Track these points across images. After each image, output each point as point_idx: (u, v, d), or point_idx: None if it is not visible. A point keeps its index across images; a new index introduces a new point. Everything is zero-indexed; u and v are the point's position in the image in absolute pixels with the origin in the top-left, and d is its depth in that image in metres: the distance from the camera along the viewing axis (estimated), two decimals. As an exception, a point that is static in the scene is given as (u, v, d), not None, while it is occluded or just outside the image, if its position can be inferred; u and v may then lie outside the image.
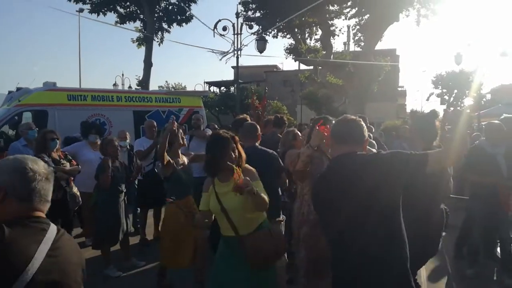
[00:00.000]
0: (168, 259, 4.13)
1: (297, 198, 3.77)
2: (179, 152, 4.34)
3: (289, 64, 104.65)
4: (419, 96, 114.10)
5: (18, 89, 8.66)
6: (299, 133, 4.70)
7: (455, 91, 29.25)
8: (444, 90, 30.85)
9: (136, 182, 6.29)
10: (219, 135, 2.82)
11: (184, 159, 4.37)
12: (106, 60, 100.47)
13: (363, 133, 2.30)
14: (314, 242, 3.30)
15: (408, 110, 44.60)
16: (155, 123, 6.55)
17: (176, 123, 4.16)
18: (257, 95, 22.08)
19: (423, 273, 4.67)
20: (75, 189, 5.30)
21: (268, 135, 5.49)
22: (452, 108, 3.32)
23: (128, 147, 6.45)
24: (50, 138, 5.13)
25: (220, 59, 15.38)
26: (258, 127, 4.17)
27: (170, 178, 4.11)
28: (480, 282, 4.59)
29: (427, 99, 31.19)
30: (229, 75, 55.26)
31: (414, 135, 3.16)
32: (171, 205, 4.10)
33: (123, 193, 5.07)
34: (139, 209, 6.54)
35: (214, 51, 15.00)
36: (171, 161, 4.06)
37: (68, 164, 5.26)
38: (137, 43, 22.25)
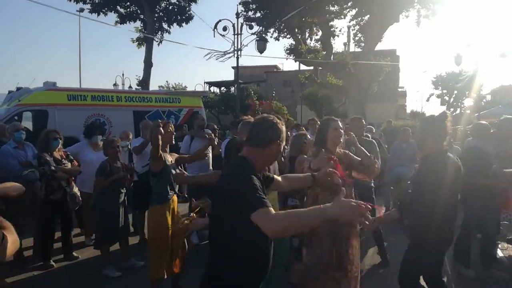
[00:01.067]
0: (161, 268, 3.89)
1: (307, 197, 3.78)
2: (167, 149, 4.17)
3: (289, 65, 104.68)
4: (419, 97, 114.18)
5: (18, 88, 8.67)
6: (309, 138, 4.72)
7: (455, 92, 29.27)
8: (444, 91, 30.87)
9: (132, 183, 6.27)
10: None
11: (170, 158, 4.20)
12: (106, 60, 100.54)
13: (267, 135, 2.18)
14: (334, 237, 3.38)
15: (408, 111, 44.67)
16: (151, 123, 6.52)
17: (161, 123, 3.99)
18: (257, 96, 22.11)
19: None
20: (75, 189, 5.31)
21: None
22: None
23: (129, 147, 6.45)
24: (53, 137, 5.17)
25: (217, 59, 15.33)
26: None
27: (159, 173, 3.92)
28: (479, 283, 4.59)
29: (427, 100, 31.29)
30: (229, 75, 55.23)
31: (426, 138, 3.15)
32: (156, 208, 3.94)
33: (123, 193, 5.08)
34: (137, 210, 6.53)
35: (212, 51, 14.99)
36: (163, 155, 3.90)
37: (69, 164, 5.28)
38: (137, 43, 22.28)
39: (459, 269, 4.84)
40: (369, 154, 3.74)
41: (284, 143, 2.28)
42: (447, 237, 3.15)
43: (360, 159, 3.65)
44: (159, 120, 4.02)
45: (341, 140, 3.73)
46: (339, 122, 3.76)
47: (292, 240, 4.29)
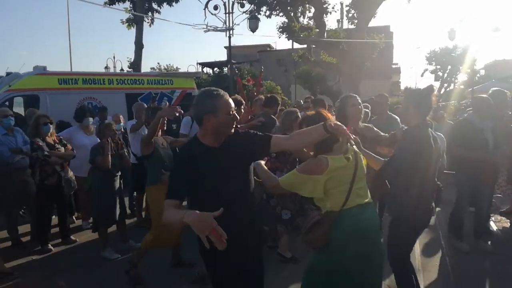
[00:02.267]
0: (157, 238, 4.10)
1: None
2: (158, 133, 4.29)
3: (283, 43, 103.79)
4: (413, 73, 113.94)
5: (7, 74, 8.55)
6: (300, 116, 4.71)
7: (449, 67, 29.21)
8: (438, 67, 30.79)
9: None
10: None
11: (163, 141, 4.40)
12: (97, 43, 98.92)
13: (200, 111, 2.25)
14: None
15: (402, 88, 44.60)
16: (145, 105, 6.46)
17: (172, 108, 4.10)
18: (251, 75, 21.95)
19: (417, 247, 4.75)
20: (70, 174, 5.30)
21: (258, 115, 5.48)
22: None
23: (122, 130, 6.42)
24: (43, 122, 5.11)
25: (206, 32, 14.99)
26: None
27: (150, 156, 4.16)
28: (473, 256, 4.68)
29: (422, 75, 31.20)
30: (222, 56, 54.71)
31: (409, 110, 3.14)
32: (151, 188, 4.18)
33: (118, 176, 5.07)
34: (135, 192, 6.54)
35: (208, 26, 14.73)
36: (152, 140, 4.10)
37: (62, 149, 5.24)
38: (127, 24, 21.90)
39: (453, 243, 4.92)
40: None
41: (228, 113, 2.22)
42: (421, 217, 3.08)
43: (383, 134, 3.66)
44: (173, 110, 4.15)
45: (361, 115, 3.74)
46: (357, 98, 3.79)
47: (283, 213, 4.39)
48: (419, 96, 3.13)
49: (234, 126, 2.32)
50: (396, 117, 5.06)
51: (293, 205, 4.45)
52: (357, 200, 2.47)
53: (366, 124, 3.81)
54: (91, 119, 6.02)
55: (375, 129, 3.85)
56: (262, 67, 14.44)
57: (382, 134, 3.78)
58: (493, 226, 5.65)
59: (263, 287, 2.57)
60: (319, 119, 2.46)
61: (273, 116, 5.35)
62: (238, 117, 2.38)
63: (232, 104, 2.29)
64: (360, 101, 3.82)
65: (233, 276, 2.35)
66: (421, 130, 3.04)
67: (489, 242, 4.90)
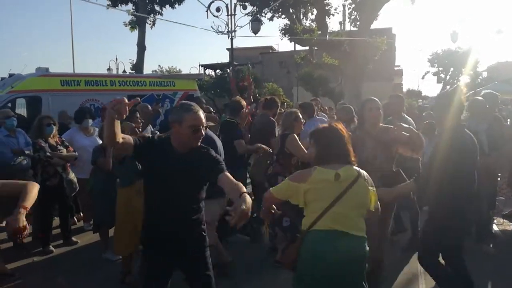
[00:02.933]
0: (122, 245, 4.12)
1: None
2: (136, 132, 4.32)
3: (285, 46, 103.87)
4: (415, 75, 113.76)
5: (10, 75, 8.58)
6: (300, 116, 4.71)
7: (451, 69, 29.17)
8: (440, 69, 30.76)
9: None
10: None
11: None
12: (99, 45, 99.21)
13: (169, 119, 2.55)
14: None
15: (404, 90, 44.55)
16: (149, 106, 6.49)
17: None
18: (253, 77, 21.99)
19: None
20: (71, 175, 5.31)
21: (258, 117, 5.49)
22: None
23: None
24: (46, 123, 5.13)
25: (217, 32, 14.96)
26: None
27: (123, 161, 4.14)
28: (476, 259, 4.65)
29: (423, 78, 31.13)
30: (224, 58, 54.78)
31: (442, 112, 3.15)
32: (124, 190, 4.16)
33: (120, 177, 5.07)
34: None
35: (212, 28, 14.72)
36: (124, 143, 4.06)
37: (64, 150, 5.25)
38: (129, 26, 21.95)
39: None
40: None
41: (191, 127, 2.42)
42: (465, 212, 3.09)
43: (407, 134, 3.43)
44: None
45: (380, 119, 3.68)
46: (377, 101, 3.70)
47: (283, 220, 4.35)
48: (449, 98, 3.14)
49: (196, 141, 2.49)
50: (410, 119, 5.05)
51: (293, 212, 4.38)
52: (331, 225, 2.31)
53: (388, 126, 3.69)
54: (90, 121, 6.03)
55: (405, 125, 3.66)
56: (250, 66, 14.41)
57: (405, 135, 3.59)
58: (495, 228, 5.63)
59: None
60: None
61: (272, 118, 5.35)
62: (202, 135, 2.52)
63: (200, 122, 2.45)
64: (379, 104, 3.72)
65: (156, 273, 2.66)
66: (457, 131, 3.05)
67: (491, 245, 4.88)
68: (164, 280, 2.66)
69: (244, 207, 2.03)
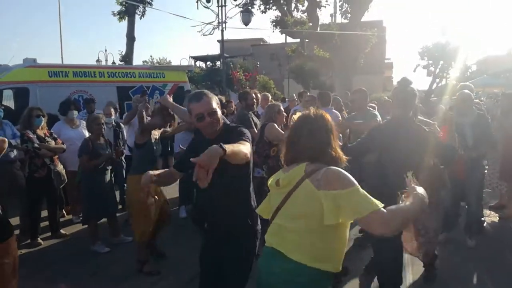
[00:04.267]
0: (140, 229, 4.11)
1: None
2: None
3: (276, 38, 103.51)
4: (406, 68, 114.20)
5: (-4, 66, 8.42)
6: (282, 109, 4.71)
7: (441, 62, 29.30)
8: (430, 62, 30.86)
9: (124, 158, 6.26)
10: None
11: (156, 134, 4.42)
12: (88, 36, 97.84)
13: None
14: None
15: (395, 83, 44.73)
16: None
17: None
18: (243, 69, 21.91)
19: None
20: (60, 167, 5.26)
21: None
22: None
23: (113, 123, 6.36)
24: (36, 115, 5.09)
25: (203, 34, 15.01)
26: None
27: (142, 146, 4.14)
28: (462, 251, 4.74)
29: (414, 71, 31.26)
30: (215, 50, 54.44)
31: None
32: (135, 177, 4.05)
33: (108, 169, 5.04)
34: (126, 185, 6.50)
35: (200, 23, 14.64)
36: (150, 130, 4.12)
37: (53, 142, 5.20)
38: (118, 16, 21.66)
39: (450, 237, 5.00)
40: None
41: (195, 116, 2.44)
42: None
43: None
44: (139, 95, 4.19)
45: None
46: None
47: None
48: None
49: (207, 126, 2.43)
50: (376, 112, 5.09)
51: None
52: (270, 240, 1.95)
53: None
54: (75, 112, 5.97)
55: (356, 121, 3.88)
56: (258, 63, 14.42)
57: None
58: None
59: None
60: None
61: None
62: (216, 120, 2.45)
63: (202, 109, 2.39)
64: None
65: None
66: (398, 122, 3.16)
67: (474, 241, 4.91)
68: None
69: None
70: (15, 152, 5.00)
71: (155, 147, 4.26)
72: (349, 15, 19.42)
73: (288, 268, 1.81)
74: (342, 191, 1.70)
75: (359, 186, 1.75)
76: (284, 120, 4.83)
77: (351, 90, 5.16)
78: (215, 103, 2.46)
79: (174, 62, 32.55)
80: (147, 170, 4.01)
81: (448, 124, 4.54)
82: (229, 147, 1.93)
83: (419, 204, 1.78)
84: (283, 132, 4.29)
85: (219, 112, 2.48)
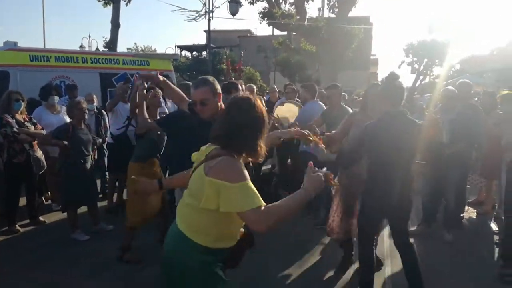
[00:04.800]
0: (135, 216, 4.08)
1: None
2: (157, 114, 4.42)
3: (263, 30, 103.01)
4: (391, 65, 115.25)
5: (-25, 48, 8.17)
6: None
7: (425, 60, 29.64)
8: (415, 59, 31.20)
9: (106, 146, 6.17)
10: None
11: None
12: (72, 21, 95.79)
13: None
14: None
15: (380, 79, 45.11)
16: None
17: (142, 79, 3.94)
18: (230, 60, 21.85)
19: (385, 234, 4.85)
20: (39, 153, 5.14)
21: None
22: None
23: (95, 110, 6.26)
24: (15, 99, 4.98)
25: (188, 21, 14.81)
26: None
27: (143, 136, 4.09)
28: (440, 245, 4.84)
29: (399, 67, 31.55)
30: (201, 40, 53.96)
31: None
32: (134, 165, 4.10)
33: (89, 156, 4.96)
34: (107, 173, 6.42)
35: (184, 9, 14.48)
36: (148, 119, 4.02)
37: (32, 127, 5.09)
38: (103, 2, 21.22)
39: (424, 231, 5.08)
40: None
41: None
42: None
43: None
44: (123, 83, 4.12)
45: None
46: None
47: None
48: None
49: (199, 112, 2.72)
50: (349, 108, 5.11)
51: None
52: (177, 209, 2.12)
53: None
54: (56, 98, 5.85)
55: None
56: (242, 52, 14.34)
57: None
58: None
59: None
60: None
61: None
62: (205, 109, 2.70)
63: (194, 97, 2.73)
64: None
65: None
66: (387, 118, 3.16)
67: (451, 235, 5.01)
68: None
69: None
70: (-7, 136, 4.88)
71: (156, 138, 4.19)
72: (336, 10, 19.44)
73: (175, 236, 1.99)
74: (227, 184, 1.76)
75: (248, 183, 1.79)
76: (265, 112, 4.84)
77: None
78: (210, 94, 2.69)
79: (159, 51, 32.23)
80: (150, 158, 4.13)
81: (435, 123, 4.58)
82: None
83: (302, 197, 1.83)
84: None
85: (213, 101, 2.70)
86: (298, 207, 1.83)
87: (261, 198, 1.77)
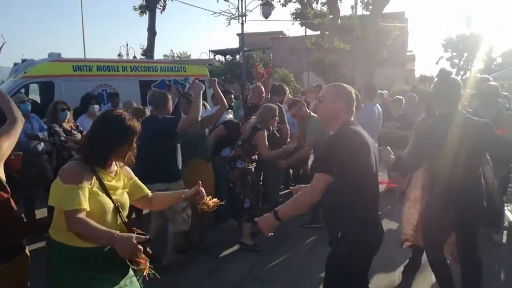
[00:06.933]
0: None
1: None
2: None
3: (296, 31, 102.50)
4: (428, 61, 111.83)
5: (23, 61, 8.62)
6: (277, 114, 4.71)
7: (465, 54, 28.67)
8: (454, 54, 30.23)
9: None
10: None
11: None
12: (110, 30, 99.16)
13: None
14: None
15: (417, 75, 43.94)
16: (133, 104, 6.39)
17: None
18: (263, 63, 21.93)
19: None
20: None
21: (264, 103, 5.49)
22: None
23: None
24: (61, 108, 5.21)
25: (226, 21, 14.98)
26: (169, 97, 4.23)
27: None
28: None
29: (436, 63, 30.60)
30: (234, 43, 54.37)
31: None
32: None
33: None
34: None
35: (222, 13, 14.68)
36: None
37: (79, 135, 5.33)
38: (139, 11, 21.86)
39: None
40: None
41: None
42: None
43: None
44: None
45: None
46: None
47: (245, 201, 4.56)
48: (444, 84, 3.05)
49: None
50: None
51: (253, 194, 4.58)
52: None
53: None
54: (97, 106, 6.06)
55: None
56: (271, 55, 14.37)
57: None
58: (509, 216, 5.58)
59: None
60: None
61: (279, 104, 5.32)
62: None
63: None
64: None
65: None
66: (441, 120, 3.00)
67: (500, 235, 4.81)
68: None
69: None
70: (42, 144, 5.14)
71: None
72: (370, 7, 19.11)
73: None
74: (60, 182, 1.99)
75: (80, 186, 1.94)
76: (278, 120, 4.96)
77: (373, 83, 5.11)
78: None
79: (194, 56, 32.74)
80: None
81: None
82: None
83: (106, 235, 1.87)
84: (267, 147, 4.49)
85: None
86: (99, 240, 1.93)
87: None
